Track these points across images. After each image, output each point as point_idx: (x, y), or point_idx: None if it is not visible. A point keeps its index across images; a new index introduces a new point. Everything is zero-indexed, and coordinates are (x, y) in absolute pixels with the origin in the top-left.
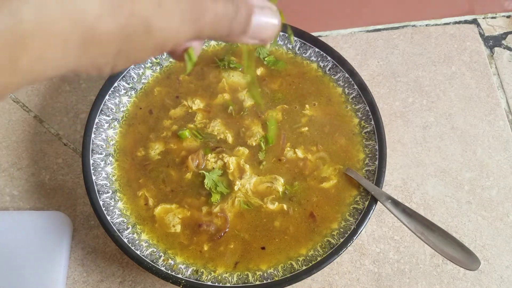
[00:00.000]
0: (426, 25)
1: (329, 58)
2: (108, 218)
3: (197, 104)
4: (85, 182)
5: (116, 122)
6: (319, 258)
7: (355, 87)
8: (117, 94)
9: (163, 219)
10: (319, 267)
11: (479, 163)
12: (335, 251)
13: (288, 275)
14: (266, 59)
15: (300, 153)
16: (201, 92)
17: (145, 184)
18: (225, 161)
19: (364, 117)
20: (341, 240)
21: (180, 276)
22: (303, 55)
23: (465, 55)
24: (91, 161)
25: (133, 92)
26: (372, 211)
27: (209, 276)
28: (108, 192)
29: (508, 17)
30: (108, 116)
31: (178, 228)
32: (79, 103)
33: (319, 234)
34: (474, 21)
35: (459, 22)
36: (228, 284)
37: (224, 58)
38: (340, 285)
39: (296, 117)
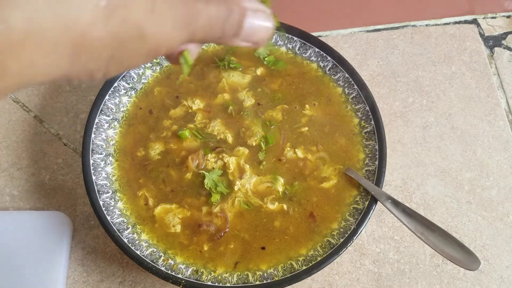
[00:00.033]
0: (426, 25)
1: (329, 58)
2: (108, 218)
3: (197, 104)
4: (85, 182)
5: (116, 122)
6: (319, 258)
7: (355, 87)
8: (117, 94)
9: (163, 219)
10: (319, 267)
11: (479, 163)
12: (335, 251)
13: (288, 275)
14: (266, 59)
15: (300, 153)
16: (201, 92)
17: (145, 184)
18: (225, 161)
19: (364, 117)
20: (341, 240)
21: (180, 276)
22: (303, 55)
23: (465, 55)
24: (91, 161)
25: (133, 92)
26: (372, 211)
27: (209, 276)
28: (108, 192)
29: (508, 17)
30: (108, 116)
31: (178, 228)
32: (79, 103)
33: (319, 234)
34: (474, 21)
35: (459, 22)
36: (228, 284)
37: (224, 58)
38: (340, 285)
39: (296, 117)
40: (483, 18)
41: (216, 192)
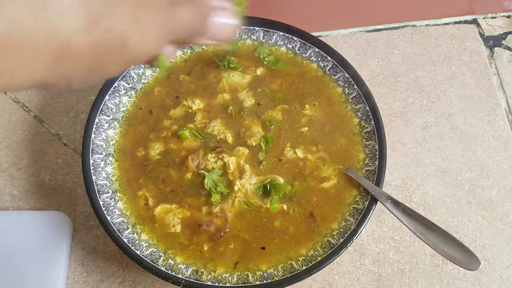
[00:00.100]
0: (426, 25)
1: (329, 58)
2: (108, 218)
3: (197, 104)
4: (85, 182)
5: (116, 122)
6: (319, 258)
7: (355, 87)
8: (117, 94)
9: (163, 219)
10: (319, 267)
11: (479, 163)
12: (335, 251)
13: (288, 275)
14: (266, 59)
15: (300, 153)
16: (201, 92)
17: (145, 184)
18: (225, 161)
19: (364, 117)
20: (341, 240)
21: (180, 276)
22: (303, 55)
23: (465, 55)
24: (91, 161)
25: (133, 92)
26: (372, 211)
27: (209, 276)
28: (108, 192)
29: (508, 17)
30: (108, 116)
31: (178, 228)
32: (79, 103)
33: (319, 234)
34: (474, 21)
35: (459, 22)
36: (228, 284)
37: (224, 58)
38: (340, 285)
39: (296, 117)
40: (483, 18)
41: (216, 192)
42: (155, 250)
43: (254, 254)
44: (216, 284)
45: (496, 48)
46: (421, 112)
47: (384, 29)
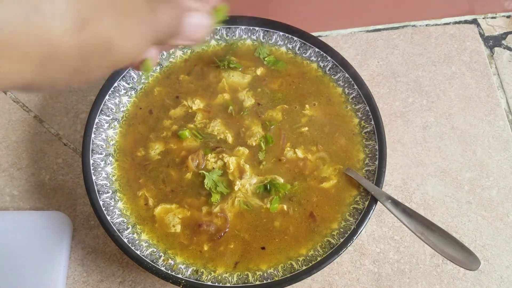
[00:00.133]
0: (426, 25)
1: (329, 58)
2: (108, 218)
3: (197, 104)
4: (85, 182)
5: (116, 122)
6: (319, 258)
7: (355, 87)
8: (117, 94)
9: (163, 219)
10: (319, 267)
11: (479, 163)
12: (335, 251)
13: (288, 275)
14: (266, 59)
15: (300, 153)
16: (201, 92)
17: (145, 184)
18: (225, 161)
19: (364, 117)
20: (341, 240)
21: (180, 276)
22: (303, 55)
23: (465, 55)
24: (91, 161)
25: (133, 92)
26: (372, 211)
27: (209, 276)
28: (108, 192)
29: (508, 17)
30: (108, 116)
31: (178, 228)
32: (79, 103)
33: (319, 234)
34: (474, 21)
35: (459, 22)
36: (228, 284)
37: (224, 58)
38: (340, 285)
39: (296, 117)
40: (483, 18)
41: (216, 192)
42: (155, 250)
43: (254, 254)
44: (216, 284)
45: (496, 48)
46: (421, 112)
47: (384, 29)
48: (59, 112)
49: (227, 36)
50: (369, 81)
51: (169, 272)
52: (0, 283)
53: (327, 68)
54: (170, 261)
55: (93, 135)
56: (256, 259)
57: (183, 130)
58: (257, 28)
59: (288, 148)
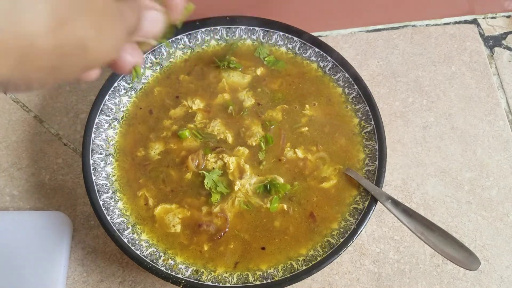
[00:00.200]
0: (426, 25)
1: (329, 58)
2: (108, 218)
3: (197, 104)
4: (85, 182)
5: (116, 122)
6: (319, 258)
7: (355, 87)
8: (117, 94)
9: (163, 219)
10: (319, 267)
11: (479, 163)
12: (335, 251)
13: (288, 275)
14: (266, 59)
15: (300, 153)
16: (201, 92)
17: (145, 184)
18: (225, 161)
19: (364, 117)
20: (341, 240)
21: (180, 276)
22: (303, 55)
23: (465, 55)
24: (91, 161)
25: (133, 92)
26: (372, 211)
27: (209, 276)
28: (108, 192)
29: (508, 17)
30: (108, 116)
31: (178, 228)
32: (79, 103)
33: (319, 234)
34: (474, 21)
35: (459, 22)
36: (228, 284)
37: (224, 58)
38: (340, 285)
39: (296, 117)
40: (483, 18)
41: (216, 192)
42: (155, 250)
43: (254, 254)
44: (216, 284)
45: (496, 48)
46: (421, 112)
47: (384, 29)
48: (59, 112)
49: (227, 36)
50: (369, 81)
51: (169, 272)
52: (0, 283)
53: (327, 68)
54: (170, 261)
55: (93, 135)
56: (256, 259)
57: (183, 130)
58: (257, 28)
59: (288, 148)
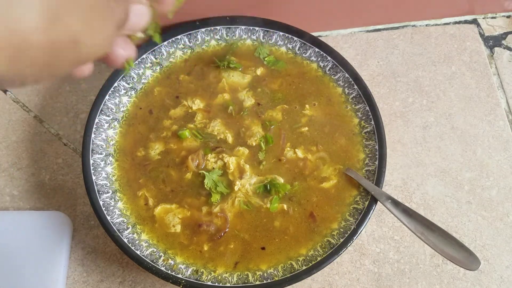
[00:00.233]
0: (426, 25)
1: (329, 58)
2: (108, 218)
3: (197, 104)
4: (85, 182)
5: (116, 122)
6: (319, 258)
7: (355, 87)
8: (117, 94)
9: (163, 219)
10: (319, 267)
11: (479, 163)
12: (335, 251)
13: (288, 275)
14: (266, 59)
15: (300, 153)
16: (201, 92)
17: (145, 184)
18: (225, 161)
19: (364, 117)
20: (341, 240)
21: (180, 276)
22: (303, 55)
23: (465, 55)
24: (91, 161)
25: (133, 92)
26: (372, 211)
27: (209, 276)
28: (108, 192)
29: (508, 17)
30: (108, 116)
31: (178, 228)
32: (79, 103)
33: (319, 234)
34: (474, 21)
35: (459, 22)
36: (228, 284)
37: (224, 58)
38: (340, 285)
39: (296, 117)
40: (483, 18)
41: (216, 192)
42: (155, 250)
43: (254, 254)
44: (216, 284)
45: (496, 48)
46: (421, 112)
47: (384, 29)
48: (59, 112)
49: (227, 36)
50: (369, 81)
51: (169, 272)
52: (0, 283)
53: (327, 68)
54: (170, 261)
55: (93, 135)
56: (256, 259)
57: (183, 130)
58: (257, 28)
59: (288, 148)
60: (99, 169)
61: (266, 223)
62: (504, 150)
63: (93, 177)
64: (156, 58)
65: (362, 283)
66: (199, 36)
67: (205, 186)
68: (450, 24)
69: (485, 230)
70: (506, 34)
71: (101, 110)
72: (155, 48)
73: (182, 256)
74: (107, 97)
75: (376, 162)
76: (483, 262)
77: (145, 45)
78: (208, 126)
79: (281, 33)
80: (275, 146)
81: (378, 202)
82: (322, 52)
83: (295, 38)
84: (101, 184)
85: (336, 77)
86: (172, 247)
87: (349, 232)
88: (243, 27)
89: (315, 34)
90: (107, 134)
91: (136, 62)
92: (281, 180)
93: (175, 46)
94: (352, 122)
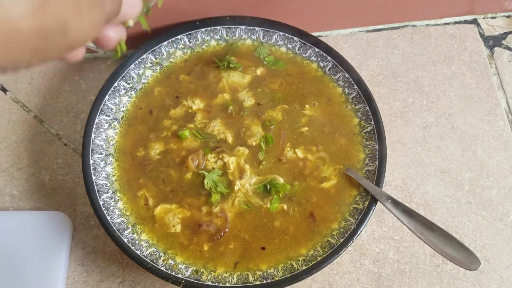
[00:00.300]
0: (426, 25)
1: (329, 58)
2: (108, 218)
3: (197, 104)
4: (85, 182)
5: (116, 122)
6: (319, 258)
7: (355, 87)
8: (117, 94)
9: (163, 219)
10: (319, 267)
11: (479, 163)
12: (335, 251)
13: (288, 275)
14: (266, 59)
15: (300, 153)
16: (201, 92)
17: (145, 184)
18: (225, 161)
19: (364, 117)
20: (341, 240)
21: (180, 276)
22: (303, 55)
23: (465, 55)
24: (91, 161)
25: (133, 92)
26: (372, 211)
27: (209, 276)
28: (108, 192)
29: (508, 17)
30: (108, 116)
31: (178, 228)
32: (79, 103)
33: (319, 234)
34: (474, 21)
35: (459, 22)
36: (228, 284)
37: (224, 58)
38: (340, 285)
39: (296, 117)
40: (483, 18)
41: (216, 192)
42: (155, 250)
43: (254, 254)
44: (216, 284)
45: (496, 48)
46: (421, 112)
47: (384, 29)
48: (59, 112)
49: (227, 36)
50: (369, 81)
51: (169, 272)
52: (0, 283)
53: (327, 68)
54: (170, 261)
55: (93, 135)
56: (256, 259)
57: (183, 130)
58: (257, 28)
59: (288, 148)
60: (99, 169)
61: (266, 223)
62: (504, 150)
63: (93, 177)
64: (156, 58)
65: (362, 283)
66: (199, 36)
67: (205, 186)
68: (450, 24)
69: (485, 230)
70: (506, 34)
71: (101, 110)
72: (155, 48)
73: (182, 256)
74: (107, 97)
75: (376, 162)
76: (483, 262)
77: (145, 45)
78: (208, 126)
79: (281, 33)
80: (275, 146)
81: (378, 202)
82: (322, 52)
83: (295, 38)
84: (101, 184)
85: (336, 77)
86: (172, 247)
87: (349, 232)
88: (243, 27)
89: (315, 34)
90: (107, 134)
91: (136, 62)
92: (281, 180)
93: (175, 46)
94: (352, 122)
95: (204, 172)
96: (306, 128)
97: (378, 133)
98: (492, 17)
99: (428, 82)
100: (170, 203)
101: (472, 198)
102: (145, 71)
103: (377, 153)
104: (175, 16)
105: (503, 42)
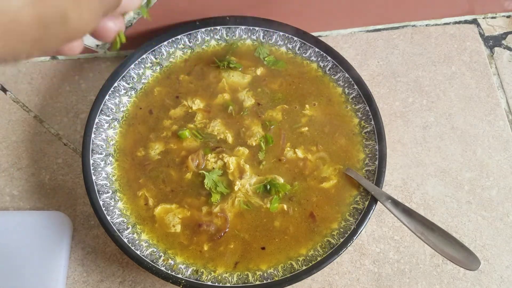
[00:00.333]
0: (426, 25)
1: (329, 58)
2: (108, 218)
3: (197, 104)
4: (85, 182)
5: (116, 122)
6: (319, 258)
7: (355, 87)
8: (117, 94)
9: (163, 219)
10: (319, 267)
11: (479, 163)
12: (335, 251)
13: (288, 275)
14: (266, 59)
15: (300, 153)
16: (201, 92)
17: (145, 184)
18: (225, 161)
19: (364, 117)
20: (341, 240)
21: (180, 276)
22: (303, 55)
23: (465, 55)
24: (91, 161)
25: (133, 92)
26: (372, 211)
27: (209, 276)
28: (108, 192)
29: (508, 17)
30: (108, 116)
31: (178, 228)
32: (79, 103)
33: (319, 234)
34: (474, 21)
35: (459, 22)
36: (228, 284)
37: (224, 58)
38: (340, 285)
39: (296, 117)
40: (483, 18)
41: (216, 192)
42: (155, 250)
43: (254, 254)
44: (216, 284)
45: (496, 48)
46: (421, 112)
47: (384, 29)
48: (59, 112)
49: (227, 36)
50: (369, 81)
51: (169, 272)
52: (0, 283)
53: (327, 68)
54: (170, 261)
55: (93, 135)
56: (256, 259)
57: (183, 130)
58: (257, 28)
59: (288, 148)
60: (99, 169)
61: (266, 223)
62: (504, 150)
63: (93, 177)
64: (156, 58)
65: (362, 283)
66: (199, 36)
67: (205, 186)
68: (450, 24)
69: (485, 230)
70: (506, 34)
71: (101, 110)
72: (155, 48)
73: (182, 256)
74: (107, 97)
75: (376, 162)
76: (483, 262)
77: (145, 45)
78: (208, 126)
79: (281, 33)
80: (275, 146)
81: (378, 202)
82: (322, 52)
83: (295, 38)
84: (101, 184)
85: (336, 77)
86: (172, 247)
87: (349, 232)
88: (243, 27)
89: (315, 34)
90: (107, 134)
91: (136, 62)
92: (281, 180)
93: (175, 46)
94: (352, 122)
95: (204, 172)
96: (306, 128)
97: (378, 133)
98: (492, 17)
99: (428, 82)
100: (170, 203)
101: (472, 198)
102: (145, 71)
103: (377, 153)
104: (175, 16)
105: (503, 42)
